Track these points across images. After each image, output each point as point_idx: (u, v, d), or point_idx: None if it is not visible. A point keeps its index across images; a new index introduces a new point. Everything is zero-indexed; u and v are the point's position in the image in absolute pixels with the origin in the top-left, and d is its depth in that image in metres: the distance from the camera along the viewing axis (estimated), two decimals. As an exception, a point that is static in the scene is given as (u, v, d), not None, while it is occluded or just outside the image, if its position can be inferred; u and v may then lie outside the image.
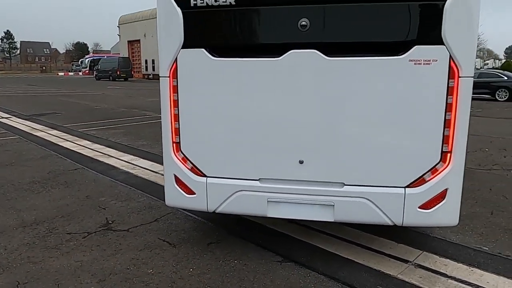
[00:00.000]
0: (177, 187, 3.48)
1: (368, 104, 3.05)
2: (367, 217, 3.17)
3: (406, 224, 3.15)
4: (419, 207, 3.08)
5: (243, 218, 4.28)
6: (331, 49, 2.96)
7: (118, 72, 43.87)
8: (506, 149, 7.98)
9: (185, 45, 3.21)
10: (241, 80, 3.20)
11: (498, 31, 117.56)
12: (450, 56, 2.85)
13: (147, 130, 10.64)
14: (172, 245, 3.76)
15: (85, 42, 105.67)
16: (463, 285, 3.06)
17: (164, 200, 4.83)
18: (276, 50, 3.07)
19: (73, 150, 8.04)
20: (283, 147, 3.20)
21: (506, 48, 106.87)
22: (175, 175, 3.47)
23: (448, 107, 2.93)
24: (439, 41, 2.84)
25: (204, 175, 3.39)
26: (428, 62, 2.90)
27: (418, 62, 2.89)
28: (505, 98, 18.41)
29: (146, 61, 50.11)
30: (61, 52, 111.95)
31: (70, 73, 66.81)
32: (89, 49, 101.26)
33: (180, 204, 3.62)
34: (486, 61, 76.84)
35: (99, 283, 3.11)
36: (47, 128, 10.90)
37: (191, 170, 3.42)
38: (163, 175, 6.11)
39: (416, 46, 2.89)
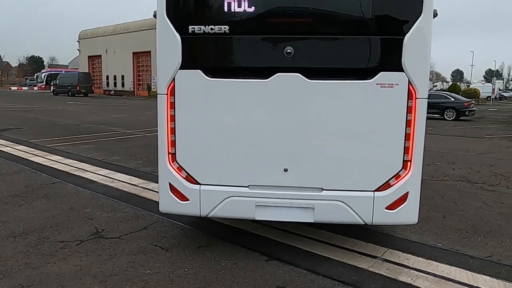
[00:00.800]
0: (171, 194, 3.81)
1: (342, 120, 3.57)
2: (343, 218, 3.66)
3: (375, 223, 3.67)
4: (386, 208, 3.61)
5: (227, 224, 4.65)
6: (312, 73, 3.48)
7: (78, 88, 42.93)
8: (455, 163, 8.90)
9: (183, 66, 3.60)
10: (233, 98, 3.63)
11: (445, 55, 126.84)
12: (409, 81, 3.45)
13: (118, 145, 10.71)
14: (164, 249, 4.04)
15: (40, 56, 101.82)
16: (423, 274, 3.60)
17: (149, 211, 5.18)
18: (264, 72, 3.54)
19: (46, 165, 8.02)
20: (269, 157, 3.64)
21: (453, 71, 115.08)
22: (170, 183, 3.80)
23: (408, 123, 3.51)
24: (400, 68, 3.44)
25: (198, 183, 3.75)
26: (391, 85, 3.48)
27: (383, 85, 3.47)
28: (453, 118, 20.07)
29: (107, 76, 49.37)
30: (13, 65, 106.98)
31: (24, 88, 64.15)
32: (44, 63, 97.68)
33: (174, 210, 3.93)
34: (435, 83, 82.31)
35: (101, 283, 3.35)
36: (13, 143, 10.67)
37: (186, 178, 3.76)
38: (143, 188, 6.41)
39: (381, 72, 3.47)
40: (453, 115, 20.05)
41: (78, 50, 54.06)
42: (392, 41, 3.44)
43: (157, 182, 6.50)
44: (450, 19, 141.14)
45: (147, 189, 6.31)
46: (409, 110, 3.49)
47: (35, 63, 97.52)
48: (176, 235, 4.42)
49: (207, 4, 3.62)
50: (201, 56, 3.66)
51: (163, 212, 4.03)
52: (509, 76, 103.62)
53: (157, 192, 5.98)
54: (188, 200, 3.77)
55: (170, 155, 3.77)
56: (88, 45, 51.30)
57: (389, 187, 3.60)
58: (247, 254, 3.93)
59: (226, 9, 3.50)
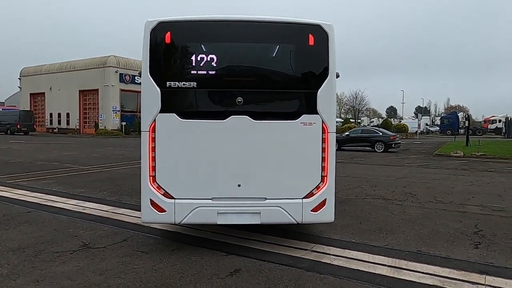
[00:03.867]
0: (152, 208, 4.96)
1: (278, 149, 5.02)
2: (281, 219, 5.03)
3: (304, 222, 5.08)
4: (311, 211, 5.03)
5: (193, 235, 5.82)
6: (256, 116, 4.93)
7: (18, 126, 41.69)
8: (376, 186, 10.73)
9: (162, 111, 4.90)
10: (199, 134, 4.96)
11: (380, 93, 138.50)
12: (322, 120, 5.01)
13: (78, 180, 11.39)
14: (145, 253, 5.12)
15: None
16: (339, 257, 5.02)
17: (125, 228, 6.22)
18: (222, 115, 4.93)
19: (15, 198, 8.63)
20: (227, 176, 4.97)
21: (387, 108, 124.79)
22: (151, 199, 4.96)
23: (323, 150, 5.03)
24: (316, 112, 5.00)
25: (173, 198, 4.95)
26: (311, 124, 5.02)
27: (305, 124, 5.00)
28: (382, 150, 22.72)
29: (51, 114, 48.25)
30: None
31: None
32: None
33: (153, 220, 5.08)
34: (372, 119, 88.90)
35: (101, 275, 4.37)
36: (-29, 180, 10.95)
37: (163, 195, 4.95)
38: (114, 212, 7.37)
39: (304, 114, 5.01)
40: (382, 147, 22.71)
41: (19, 87, 52.48)
42: (310, 94, 5.02)
43: (126, 208, 7.60)
44: (385, 60, 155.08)
45: (118, 213, 7.27)
46: (323, 140, 5.03)
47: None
48: (152, 244, 5.51)
49: (180, 67, 5.01)
50: (176, 103, 4.98)
51: (145, 222, 5.15)
52: (435, 112, 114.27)
53: (128, 215, 7.11)
54: (165, 211, 4.94)
55: (151, 177, 4.96)
56: (30, 82, 50.16)
57: (313, 195, 5.05)
58: (211, 252, 5.13)
59: (193, 71, 4.91)
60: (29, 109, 48.45)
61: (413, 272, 4.55)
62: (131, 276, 4.36)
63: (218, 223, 5.01)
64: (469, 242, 5.73)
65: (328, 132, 5.04)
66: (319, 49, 5.00)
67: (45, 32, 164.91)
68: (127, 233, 5.98)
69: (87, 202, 8.20)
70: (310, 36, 4.97)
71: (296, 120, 5.00)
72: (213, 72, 4.93)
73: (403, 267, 4.73)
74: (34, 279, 4.26)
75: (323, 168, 5.05)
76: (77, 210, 7.53)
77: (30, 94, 50.56)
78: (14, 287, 4.07)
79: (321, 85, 4.99)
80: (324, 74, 5.02)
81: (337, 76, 5.19)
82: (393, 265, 4.79)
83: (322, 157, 5.04)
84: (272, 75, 5.12)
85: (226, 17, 5.00)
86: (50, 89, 47.76)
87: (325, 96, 5.02)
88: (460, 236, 6.01)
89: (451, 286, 4.20)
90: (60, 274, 4.40)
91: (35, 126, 44.17)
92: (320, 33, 4.97)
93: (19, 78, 52.15)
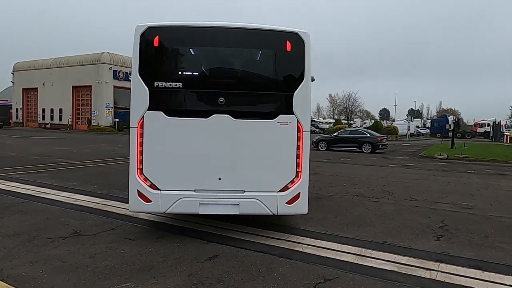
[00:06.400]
0: (139, 198, 5.37)
1: (257, 146, 5.46)
2: (258, 210, 5.46)
3: (279, 214, 5.52)
4: (286, 203, 5.48)
5: (178, 225, 6.24)
6: (237, 115, 5.36)
7: None
8: (357, 184, 11.22)
9: (150, 109, 5.31)
10: (184, 131, 5.38)
11: (374, 95, 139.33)
12: (297, 120, 5.46)
13: (70, 174, 11.74)
14: (131, 240, 5.53)
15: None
16: (310, 246, 5.47)
17: (113, 218, 6.62)
18: (205, 114, 5.36)
19: (8, 190, 8.98)
20: (209, 170, 5.40)
21: (380, 110, 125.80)
22: (138, 190, 5.37)
23: (298, 147, 5.48)
24: (292, 113, 5.44)
25: (159, 189, 5.37)
26: (287, 123, 5.46)
27: (282, 123, 5.44)
28: (369, 151, 23.27)
29: (43, 110, 48.23)
30: None
31: None
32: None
33: (140, 209, 5.50)
34: (365, 121, 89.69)
35: (91, 258, 4.78)
36: (-35, 173, 11.24)
37: (150, 186, 5.37)
38: (104, 204, 7.76)
39: (280, 114, 5.45)
40: (369, 148, 23.28)
41: (12, 82, 52.35)
42: (287, 96, 5.46)
43: (116, 201, 7.98)
44: (379, 62, 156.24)
45: (107, 205, 7.66)
46: (298, 139, 5.48)
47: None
48: (138, 232, 5.92)
49: (167, 68, 5.43)
50: (162, 102, 5.39)
51: (132, 211, 5.56)
52: (427, 115, 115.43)
53: (117, 207, 7.51)
54: (151, 201, 5.36)
55: (138, 170, 5.37)
56: (23, 77, 50.09)
57: (288, 189, 5.49)
58: (193, 240, 5.55)
59: (179, 72, 5.34)
60: (21, 104, 48.52)
61: (375, 259, 5.02)
62: (117, 259, 4.77)
63: (200, 213, 5.44)
64: (433, 235, 6.22)
65: (302, 131, 5.49)
66: (295, 55, 5.44)
67: (39, 27, 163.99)
68: (115, 222, 6.38)
69: (79, 195, 8.57)
70: (288, 42, 5.41)
71: (274, 120, 5.44)
72: (197, 74, 5.36)
73: (367, 255, 5.19)
74: (28, 260, 4.65)
75: (297, 164, 5.50)
76: (68, 201, 7.90)
77: (23, 89, 50.47)
78: (10, 267, 4.46)
79: (297, 88, 5.44)
80: (300, 77, 5.46)
81: (312, 79, 5.64)
82: (358, 253, 5.25)
83: (297, 154, 5.48)
84: (252, 77, 5.57)
85: (210, 23, 5.42)
86: (43, 84, 47.75)
87: (301, 98, 5.47)
88: (425, 230, 6.50)
89: (407, 271, 4.67)
90: (52, 257, 4.80)
91: (10, 120, 45.97)
92: (296, 40, 5.41)
93: (12, 73, 52.02)
